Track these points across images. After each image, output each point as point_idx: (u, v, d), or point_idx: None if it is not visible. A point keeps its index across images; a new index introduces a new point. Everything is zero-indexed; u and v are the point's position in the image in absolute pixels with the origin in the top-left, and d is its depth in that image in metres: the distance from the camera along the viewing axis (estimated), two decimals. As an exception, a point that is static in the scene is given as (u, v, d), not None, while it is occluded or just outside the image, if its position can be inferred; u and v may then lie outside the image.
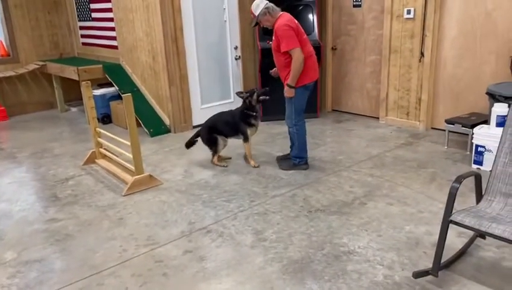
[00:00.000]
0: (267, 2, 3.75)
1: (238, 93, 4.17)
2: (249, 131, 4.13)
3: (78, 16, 6.96)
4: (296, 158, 4.05)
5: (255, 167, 4.18)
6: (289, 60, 3.69)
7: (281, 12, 3.77)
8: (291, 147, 4.16)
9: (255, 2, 3.76)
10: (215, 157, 4.26)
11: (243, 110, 4.12)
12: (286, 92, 3.79)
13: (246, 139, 4.15)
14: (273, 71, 4.15)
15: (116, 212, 3.38)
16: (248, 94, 4.09)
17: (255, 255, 2.70)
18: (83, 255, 2.79)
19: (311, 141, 4.75)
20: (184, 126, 5.48)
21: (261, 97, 4.06)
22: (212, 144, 4.20)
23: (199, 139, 4.33)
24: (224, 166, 4.22)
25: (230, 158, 4.41)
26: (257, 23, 3.85)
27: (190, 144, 4.36)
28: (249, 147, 4.21)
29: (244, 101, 4.12)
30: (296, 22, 3.72)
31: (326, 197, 3.47)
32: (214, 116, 4.29)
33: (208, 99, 5.65)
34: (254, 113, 4.09)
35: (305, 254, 2.69)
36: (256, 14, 3.74)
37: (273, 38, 3.76)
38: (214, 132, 4.17)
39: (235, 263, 2.63)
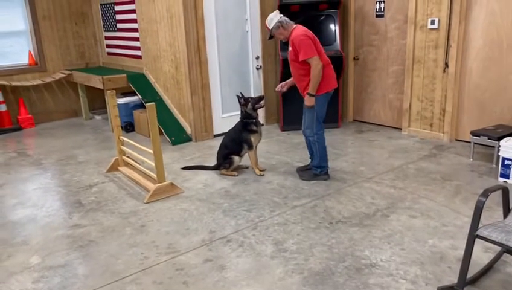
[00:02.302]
0: (281, 15, 3.83)
1: (238, 97, 4.18)
2: (252, 138, 4.16)
3: (104, 26, 7.14)
4: (317, 168, 4.03)
5: (260, 175, 4.21)
6: (307, 69, 3.72)
7: (295, 25, 3.83)
8: (310, 157, 4.15)
9: (269, 16, 3.86)
10: (224, 170, 4.29)
11: (242, 120, 4.18)
12: (306, 101, 3.80)
13: (250, 147, 4.18)
14: (278, 88, 4.16)
15: (138, 219, 3.42)
16: (243, 102, 4.14)
17: (275, 266, 2.69)
18: (105, 261, 2.83)
19: (332, 151, 4.72)
20: (205, 135, 5.52)
21: (256, 105, 4.12)
22: (227, 164, 4.24)
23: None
24: (234, 175, 4.24)
25: (247, 167, 4.42)
26: (271, 36, 3.92)
27: (191, 168, 4.47)
28: (254, 155, 4.23)
29: (240, 110, 4.19)
30: (312, 33, 3.75)
31: (347, 209, 3.43)
32: (223, 140, 4.34)
33: (228, 108, 5.69)
34: (253, 120, 4.14)
35: (326, 265, 2.66)
36: (270, 27, 3.83)
37: (289, 49, 3.81)
38: (230, 154, 4.22)
39: (255, 273, 2.62)
